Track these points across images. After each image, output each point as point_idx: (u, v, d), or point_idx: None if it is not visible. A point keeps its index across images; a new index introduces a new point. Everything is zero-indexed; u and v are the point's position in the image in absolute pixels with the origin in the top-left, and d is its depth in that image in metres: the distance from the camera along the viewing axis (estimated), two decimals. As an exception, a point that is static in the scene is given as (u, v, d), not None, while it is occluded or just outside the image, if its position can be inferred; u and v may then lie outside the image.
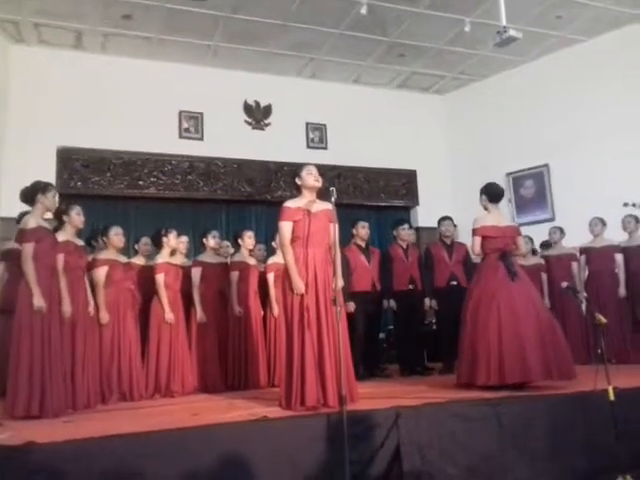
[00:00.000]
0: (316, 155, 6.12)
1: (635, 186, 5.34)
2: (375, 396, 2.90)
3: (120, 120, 5.66)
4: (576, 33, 5.91)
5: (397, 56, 6.20)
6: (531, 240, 4.96)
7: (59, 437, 2.04)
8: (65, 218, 3.23)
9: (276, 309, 4.15)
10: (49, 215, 3.15)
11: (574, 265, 4.84)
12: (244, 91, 6.27)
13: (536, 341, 2.92)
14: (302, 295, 2.66)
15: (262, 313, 4.31)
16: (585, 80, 5.96)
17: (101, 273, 3.59)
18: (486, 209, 3.33)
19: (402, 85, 6.91)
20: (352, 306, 4.09)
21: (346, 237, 4.30)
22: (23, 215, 3.13)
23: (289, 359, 2.64)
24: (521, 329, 2.93)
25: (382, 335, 5.30)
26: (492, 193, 3.32)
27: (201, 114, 6.09)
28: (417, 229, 6.11)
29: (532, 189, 6.44)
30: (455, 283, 4.35)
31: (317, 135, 6.60)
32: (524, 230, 3.96)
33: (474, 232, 3.24)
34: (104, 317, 3.55)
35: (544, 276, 4.83)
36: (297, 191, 2.87)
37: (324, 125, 6.60)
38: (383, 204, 6.82)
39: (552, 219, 6.04)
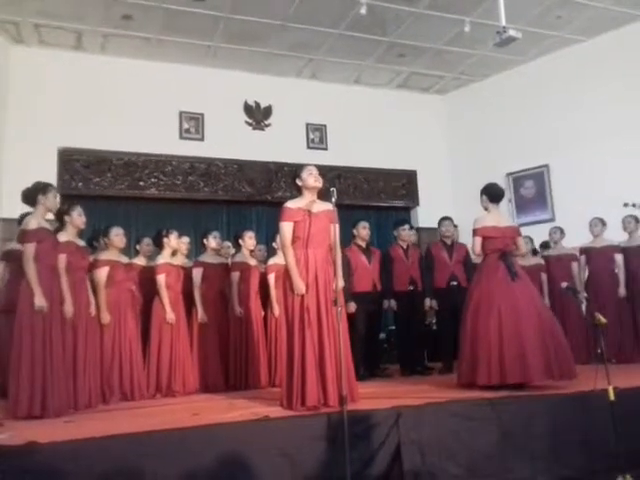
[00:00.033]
0: (316, 156, 6.13)
1: (635, 186, 5.34)
2: (376, 396, 2.91)
3: (120, 121, 5.67)
4: (575, 33, 5.92)
5: (397, 56, 6.21)
6: (531, 240, 4.97)
7: (60, 437, 2.05)
8: (66, 219, 3.24)
9: (277, 309, 4.16)
10: (50, 216, 3.16)
11: (574, 265, 4.85)
12: (244, 92, 6.28)
13: (537, 341, 2.92)
14: (303, 295, 2.66)
15: (263, 313, 4.31)
16: (585, 80, 5.97)
17: (102, 273, 3.60)
18: (486, 209, 3.34)
19: (402, 85, 6.92)
20: (353, 306, 4.09)
21: (346, 237, 4.30)
22: (24, 216, 3.13)
23: (290, 359, 2.65)
24: (522, 329, 2.94)
25: (383, 335, 5.31)
26: (493, 193, 3.33)
27: (202, 115, 6.10)
28: (417, 229, 6.12)
29: (532, 189, 6.44)
30: (455, 283, 4.35)
31: (317, 136, 6.61)
32: (524, 230, 3.96)
33: (474, 232, 3.25)
34: (105, 317, 3.56)
35: (544, 276, 4.83)
36: (298, 192, 2.88)
37: (324, 126, 6.61)
38: (383, 204, 6.82)
39: (552, 219, 6.04)
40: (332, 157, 6.45)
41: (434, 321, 5.02)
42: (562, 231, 5.03)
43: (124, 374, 3.59)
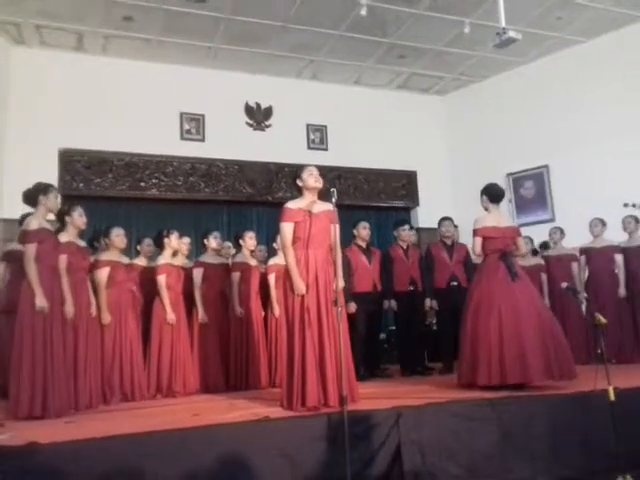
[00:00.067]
0: (317, 156, 6.13)
1: (635, 186, 5.34)
2: (376, 396, 2.91)
3: (121, 122, 5.68)
4: (575, 34, 5.92)
5: (397, 57, 6.21)
6: (531, 241, 4.97)
7: (61, 437, 2.05)
8: (67, 219, 3.25)
9: (277, 310, 4.16)
10: (51, 216, 3.17)
11: (574, 265, 4.85)
12: (245, 93, 6.29)
13: (537, 341, 2.92)
14: (303, 296, 2.67)
15: (263, 314, 4.32)
16: (585, 81, 5.97)
17: (103, 274, 3.61)
18: (487, 210, 3.34)
19: (402, 86, 6.93)
20: (353, 307, 4.10)
21: (347, 238, 4.31)
22: (25, 217, 3.14)
23: (290, 359, 2.65)
24: (522, 329, 2.94)
25: (383, 335, 5.31)
26: (493, 194, 3.33)
27: (202, 116, 6.11)
28: (417, 230, 6.12)
29: (532, 190, 6.45)
30: (455, 284, 4.36)
31: (318, 136, 6.62)
32: (524, 231, 3.97)
33: (475, 233, 3.25)
34: (106, 318, 3.57)
35: (544, 276, 4.84)
36: (298, 192, 2.88)
37: (324, 126, 6.62)
38: (383, 205, 6.83)
39: (552, 220, 6.05)
40: (332, 158, 6.46)
41: (434, 321, 5.03)
42: (562, 231, 5.03)
43: (125, 374, 3.60)
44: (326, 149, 6.60)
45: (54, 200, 3.04)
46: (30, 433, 2.21)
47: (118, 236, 3.73)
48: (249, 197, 6.23)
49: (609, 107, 5.75)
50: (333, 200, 2.48)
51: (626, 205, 5.25)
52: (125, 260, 3.86)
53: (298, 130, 6.49)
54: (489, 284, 3.12)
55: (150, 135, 5.80)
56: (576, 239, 4.92)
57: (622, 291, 4.54)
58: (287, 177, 6.12)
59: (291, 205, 2.81)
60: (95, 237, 4.11)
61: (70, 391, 2.96)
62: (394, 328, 5.13)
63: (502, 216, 3.42)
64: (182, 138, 6.05)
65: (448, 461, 2.31)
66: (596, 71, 5.91)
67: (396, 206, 6.91)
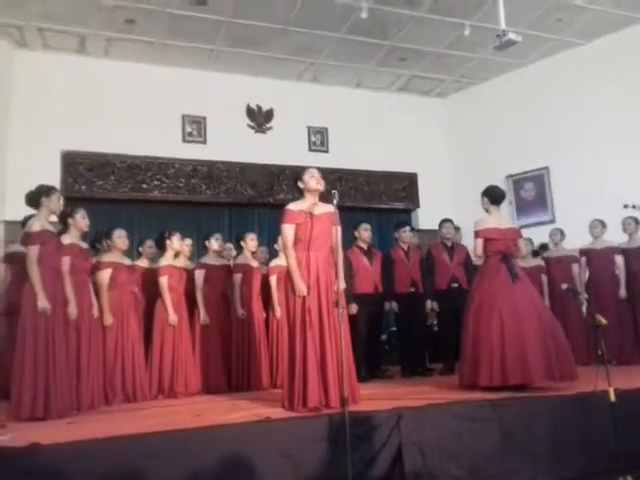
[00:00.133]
0: (318, 158, 6.14)
1: (635, 188, 5.35)
2: (377, 397, 2.92)
3: (123, 124, 5.70)
4: (575, 36, 5.94)
5: (398, 60, 6.23)
6: (531, 242, 4.98)
7: (63, 438, 2.06)
8: (70, 221, 3.27)
9: (278, 311, 4.17)
10: (54, 218, 3.19)
11: (574, 267, 4.86)
12: (246, 95, 6.32)
13: (538, 343, 2.93)
14: (304, 297, 2.68)
15: (265, 315, 4.33)
16: (584, 83, 5.99)
17: (105, 276, 3.62)
18: (487, 211, 3.35)
19: (403, 88, 6.95)
20: (355, 308, 4.10)
21: (348, 240, 4.32)
22: (28, 219, 3.16)
23: (291, 361, 2.66)
24: (523, 330, 2.95)
25: (384, 337, 5.32)
26: (493, 195, 3.34)
27: (204, 118, 6.14)
28: (418, 231, 6.13)
29: (532, 191, 6.46)
30: (456, 285, 4.37)
31: (319, 138, 6.64)
32: (524, 232, 3.97)
33: (476, 234, 3.26)
34: (108, 319, 3.58)
35: (544, 278, 4.84)
36: (299, 194, 2.89)
37: (325, 128, 6.64)
38: (384, 207, 6.84)
39: (552, 221, 6.05)
40: (333, 160, 6.47)
41: (435, 322, 5.03)
42: (562, 233, 5.04)
43: (127, 375, 3.60)
44: (327, 151, 6.62)
45: (56, 202, 3.05)
46: (32, 434, 2.22)
47: (120, 238, 3.75)
48: (250, 199, 6.25)
49: (608, 109, 5.77)
50: (334, 202, 2.50)
51: (626, 206, 5.26)
52: (127, 262, 3.88)
53: (299, 132, 6.51)
54: (490, 285, 3.13)
55: (152, 137, 5.82)
56: (576, 240, 4.93)
57: (622, 292, 4.54)
58: (288, 179, 6.13)
59: (292, 207, 2.82)
60: (97, 239, 4.12)
61: (72, 392, 2.97)
62: (395, 329, 5.13)
63: (503, 218, 3.43)
64: (184, 140, 6.07)
65: (449, 462, 2.32)
66: (595, 73, 5.92)
67: (397, 208, 6.92)
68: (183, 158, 6.01)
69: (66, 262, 3.09)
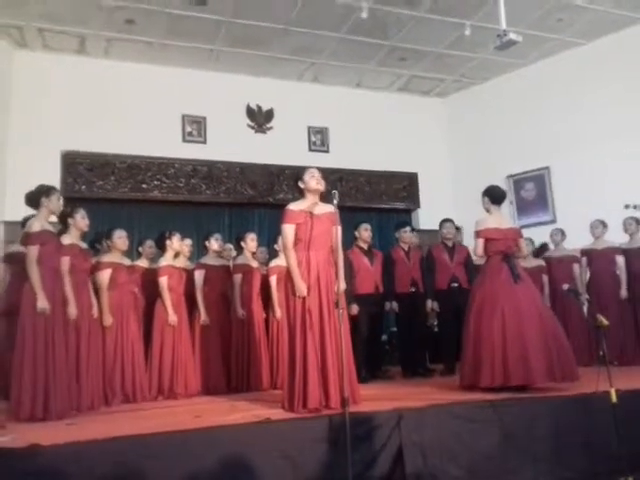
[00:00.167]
0: (318, 158, 6.14)
1: (636, 188, 5.33)
2: (377, 398, 2.91)
3: (123, 124, 5.70)
4: (576, 36, 5.93)
5: (398, 60, 6.23)
6: (532, 242, 4.97)
7: (62, 439, 2.05)
8: (70, 221, 3.27)
9: (278, 312, 4.16)
10: (54, 219, 3.18)
11: (575, 267, 4.85)
12: (246, 95, 6.31)
13: (539, 343, 2.92)
14: (304, 298, 2.67)
15: (264, 315, 4.32)
16: (585, 83, 5.98)
17: (105, 276, 3.62)
18: (488, 211, 3.34)
19: (403, 88, 6.94)
20: (355, 308, 4.10)
21: (348, 240, 4.31)
22: (28, 219, 3.16)
23: (291, 361, 2.65)
24: (524, 331, 2.94)
25: (384, 337, 5.30)
26: (494, 195, 3.34)
27: (204, 118, 6.13)
28: (418, 231, 6.12)
29: (533, 191, 6.45)
30: (456, 285, 4.36)
31: (319, 138, 6.63)
32: (525, 232, 3.96)
33: (477, 234, 3.26)
34: (108, 320, 3.57)
35: (545, 278, 4.83)
36: (300, 194, 2.89)
37: (326, 128, 6.64)
38: (385, 207, 6.83)
39: (553, 221, 6.04)
40: (334, 160, 6.47)
41: (435, 323, 5.02)
42: (563, 233, 5.03)
43: (126, 376, 3.60)
44: (327, 151, 6.61)
45: (56, 202, 3.05)
46: (32, 435, 2.21)
47: (120, 238, 3.74)
48: (250, 199, 6.25)
49: (609, 108, 5.76)
50: (334, 202, 2.49)
51: (627, 206, 5.24)
52: (127, 262, 3.87)
53: (299, 132, 6.50)
54: (492, 285, 3.12)
55: (152, 137, 5.82)
56: (577, 240, 4.92)
57: (624, 293, 4.53)
58: (288, 179, 6.12)
59: (293, 207, 2.82)
60: (97, 239, 4.12)
61: (72, 393, 2.96)
62: (395, 330, 5.12)
63: (504, 218, 3.42)
64: (184, 140, 6.07)
65: (450, 463, 2.31)
66: (596, 73, 5.91)
67: (397, 208, 6.91)
68: (183, 158, 6.01)
69: (66, 262, 3.08)
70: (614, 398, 2.29)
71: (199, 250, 4.85)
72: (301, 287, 2.67)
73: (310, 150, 6.54)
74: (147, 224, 5.75)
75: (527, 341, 2.91)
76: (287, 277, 2.78)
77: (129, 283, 3.78)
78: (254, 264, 4.32)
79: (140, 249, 4.26)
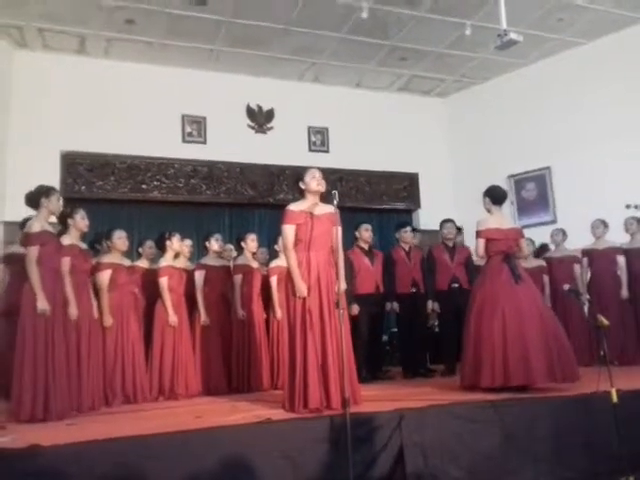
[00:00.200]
0: (318, 158, 6.14)
1: (637, 188, 5.34)
2: (378, 398, 2.91)
3: (123, 124, 5.70)
4: (576, 36, 5.93)
5: (398, 59, 6.23)
6: (533, 242, 4.96)
7: (63, 440, 2.05)
8: (70, 222, 3.27)
9: (279, 312, 4.16)
10: (53, 219, 3.18)
11: (576, 267, 4.84)
12: (246, 95, 6.31)
13: (540, 343, 2.92)
14: (305, 298, 2.67)
15: (265, 316, 4.32)
16: (586, 82, 5.98)
17: (105, 276, 3.62)
18: (489, 211, 3.34)
19: (403, 88, 6.94)
20: (356, 309, 4.10)
21: (348, 240, 4.31)
22: (28, 219, 3.15)
23: (292, 362, 2.65)
24: (525, 331, 2.94)
25: (385, 337, 5.31)
26: (495, 196, 3.33)
27: (204, 118, 6.13)
28: (419, 232, 6.12)
29: (534, 191, 6.44)
30: (457, 285, 4.36)
31: (319, 138, 6.63)
32: (526, 232, 3.95)
33: (478, 234, 3.25)
34: (108, 320, 3.57)
35: (546, 278, 4.83)
36: (300, 194, 2.89)
37: (326, 129, 6.63)
38: (385, 207, 6.83)
39: (554, 221, 6.04)
40: (334, 160, 6.46)
41: (436, 323, 5.02)
42: (564, 233, 5.02)
43: (127, 377, 3.60)
44: (327, 151, 6.61)
45: (56, 203, 3.05)
46: (32, 435, 2.21)
47: (120, 238, 3.74)
48: (250, 199, 6.24)
49: (610, 108, 5.75)
50: (335, 202, 2.49)
51: (628, 206, 5.24)
52: (127, 262, 3.87)
53: (299, 132, 6.50)
54: (493, 286, 3.12)
55: (152, 137, 5.82)
56: (578, 241, 4.91)
57: (625, 293, 4.53)
58: (288, 179, 6.12)
59: (293, 207, 2.81)
60: (97, 239, 4.12)
61: (72, 393, 2.96)
62: (396, 330, 5.12)
63: (505, 218, 3.42)
64: (184, 140, 6.07)
65: (450, 463, 2.31)
66: (597, 72, 5.91)
67: (398, 208, 6.91)
68: (183, 158, 6.00)
69: (66, 263, 3.08)
70: (615, 398, 2.29)
71: (199, 250, 4.85)
72: (301, 287, 2.67)
73: (310, 150, 6.53)
74: (147, 224, 5.75)
75: (528, 341, 2.91)
76: (287, 277, 2.78)
77: (129, 284, 3.78)
78: (254, 264, 4.32)
79: (140, 250, 4.25)
